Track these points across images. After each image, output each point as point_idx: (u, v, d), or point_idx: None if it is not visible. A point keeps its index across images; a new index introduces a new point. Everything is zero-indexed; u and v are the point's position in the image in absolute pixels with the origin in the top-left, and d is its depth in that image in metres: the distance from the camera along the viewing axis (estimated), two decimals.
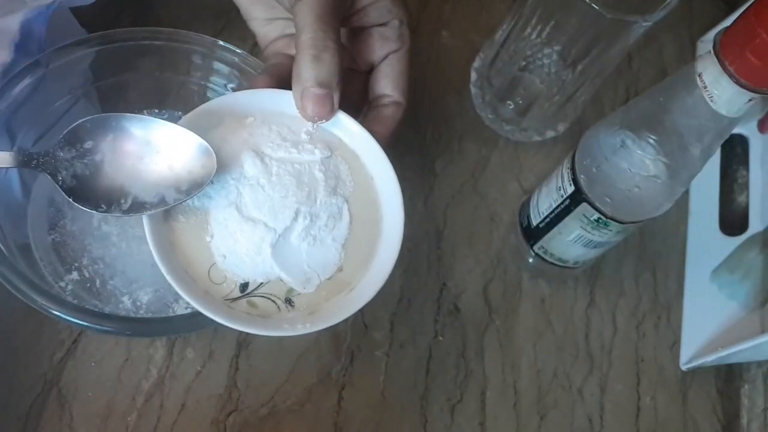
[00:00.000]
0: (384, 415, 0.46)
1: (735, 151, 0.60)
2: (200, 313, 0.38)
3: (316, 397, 0.46)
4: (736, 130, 0.59)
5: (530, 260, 0.51)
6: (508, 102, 0.55)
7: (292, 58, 0.36)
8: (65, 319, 0.36)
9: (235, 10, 0.55)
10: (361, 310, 0.49)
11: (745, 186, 0.58)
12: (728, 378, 0.52)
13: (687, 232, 0.56)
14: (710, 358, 0.49)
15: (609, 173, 0.41)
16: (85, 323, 0.36)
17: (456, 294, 0.51)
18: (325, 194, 0.37)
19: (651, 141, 0.39)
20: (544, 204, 0.47)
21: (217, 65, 0.46)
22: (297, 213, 0.36)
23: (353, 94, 0.39)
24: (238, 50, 0.45)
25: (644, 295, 0.54)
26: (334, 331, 0.48)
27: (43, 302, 0.36)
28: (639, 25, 0.44)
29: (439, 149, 0.56)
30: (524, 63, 0.52)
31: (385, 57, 0.39)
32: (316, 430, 0.45)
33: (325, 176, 0.37)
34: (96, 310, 0.37)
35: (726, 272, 0.53)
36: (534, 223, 0.48)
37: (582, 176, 0.43)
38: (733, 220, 0.57)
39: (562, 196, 0.45)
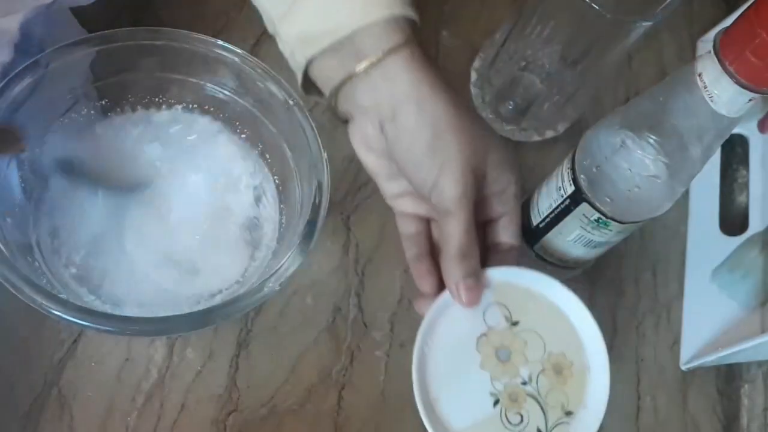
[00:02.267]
0: (384, 415, 0.46)
1: (735, 151, 0.60)
2: (200, 313, 0.38)
3: (316, 397, 0.46)
4: (736, 130, 0.59)
5: (530, 260, 0.51)
6: (508, 102, 0.55)
7: (423, 223, 0.44)
8: (65, 319, 0.36)
9: (236, 10, 0.55)
10: (362, 310, 0.49)
11: (745, 186, 0.58)
12: (728, 378, 0.52)
13: (687, 232, 0.56)
14: (710, 358, 0.49)
15: (609, 173, 0.41)
16: (85, 323, 0.36)
17: None
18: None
19: (651, 141, 0.39)
20: (544, 204, 0.47)
21: (217, 65, 0.46)
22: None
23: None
24: (238, 50, 0.45)
25: (644, 295, 0.54)
26: (334, 331, 0.48)
27: (43, 302, 0.36)
28: (639, 25, 0.44)
29: None
30: (524, 63, 0.52)
31: (503, 214, 0.43)
32: (316, 430, 0.45)
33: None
34: (96, 309, 0.37)
35: (726, 272, 0.53)
36: (534, 223, 0.48)
37: (582, 176, 0.43)
38: (733, 220, 0.57)
39: (562, 196, 0.45)
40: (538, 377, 0.43)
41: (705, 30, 0.64)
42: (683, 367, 0.52)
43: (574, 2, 0.44)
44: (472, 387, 0.42)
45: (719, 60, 0.34)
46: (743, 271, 0.52)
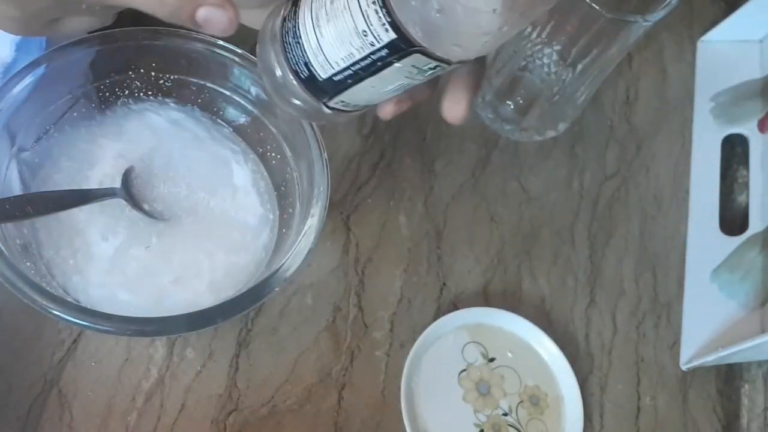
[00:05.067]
0: (384, 415, 0.46)
1: (735, 151, 0.60)
2: (200, 313, 0.38)
3: (316, 397, 0.46)
4: (736, 130, 0.59)
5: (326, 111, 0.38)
6: (508, 102, 0.55)
7: None
8: (65, 319, 0.36)
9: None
10: (362, 310, 0.49)
11: (745, 186, 0.58)
12: (728, 378, 0.52)
13: (687, 232, 0.57)
14: (710, 358, 0.49)
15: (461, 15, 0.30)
16: (85, 323, 0.36)
17: (456, 294, 0.51)
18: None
19: None
20: (337, 53, 0.34)
21: (217, 65, 0.46)
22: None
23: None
24: (238, 50, 0.45)
25: (644, 295, 0.54)
26: (334, 331, 0.48)
27: (43, 302, 0.36)
28: (639, 25, 0.44)
29: (439, 149, 0.56)
30: (524, 63, 0.52)
31: None
32: (316, 430, 0.45)
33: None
34: (96, 309, 0.37)
35: (726, 272, 0.53)
36: (322, 76, 0.36)
37: (412, 25, 0.31)
38: (733, 220, 0.57)
39: (373, 45, 0.33)
40: (517, 408, 0.47)
41: (705, 30, 0.64)
42: (683, 367, 0.52)
43: (574, 2, 0.44)
44: (458, 418, 0.47)
45: None
46: (743, 271, 0.52)
